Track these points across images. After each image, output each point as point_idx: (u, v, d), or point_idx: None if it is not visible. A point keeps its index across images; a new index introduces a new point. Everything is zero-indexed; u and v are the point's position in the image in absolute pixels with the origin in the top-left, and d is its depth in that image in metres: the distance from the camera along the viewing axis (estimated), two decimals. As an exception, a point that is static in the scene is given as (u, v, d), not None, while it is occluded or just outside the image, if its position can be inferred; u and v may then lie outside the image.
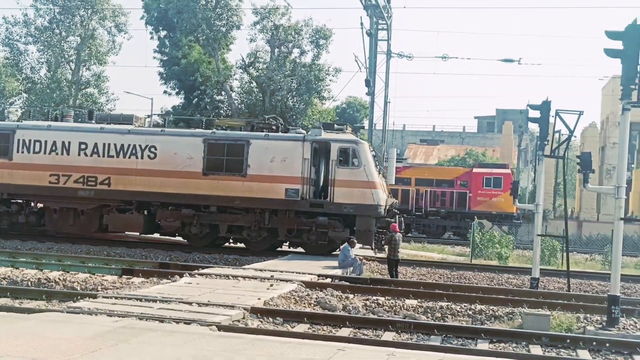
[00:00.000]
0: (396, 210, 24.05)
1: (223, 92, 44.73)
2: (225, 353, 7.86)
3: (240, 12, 43.22)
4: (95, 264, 18.46)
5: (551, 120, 18.71)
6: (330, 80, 43.44)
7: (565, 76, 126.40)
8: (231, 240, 24.05)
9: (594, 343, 11.41)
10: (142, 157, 23.13)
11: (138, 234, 24.44)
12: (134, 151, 23.25)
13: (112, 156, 23.32)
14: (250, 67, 43.35)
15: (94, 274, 16.89)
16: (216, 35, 42.53)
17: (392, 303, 14.44)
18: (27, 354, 7.33)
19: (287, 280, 15.89)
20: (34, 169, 23.68)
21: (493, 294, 16.32)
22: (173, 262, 20.49)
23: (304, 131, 23.66)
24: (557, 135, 19.89)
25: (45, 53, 45.16)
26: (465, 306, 14.34)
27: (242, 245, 23.88)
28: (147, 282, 15.95)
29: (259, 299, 13.17)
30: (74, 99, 44.76)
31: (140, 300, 12.26)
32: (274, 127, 23.57)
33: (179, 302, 12.21)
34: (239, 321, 11.53)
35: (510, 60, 39.60)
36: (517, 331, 12.15)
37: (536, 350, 11.14)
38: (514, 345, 11.44)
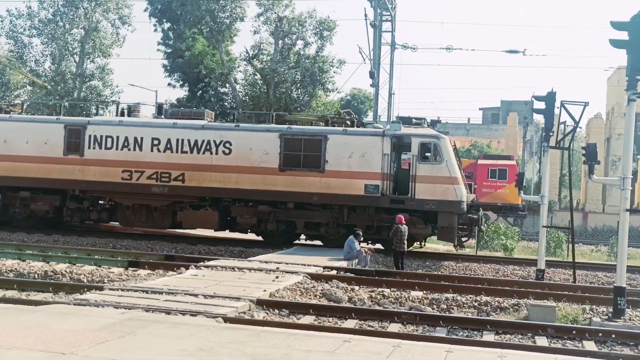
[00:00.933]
0: (477, 206, 23.77)
1: (227, 85, 44.65)
2: (232, 345, 7.88)
3: (243, 4, 43.07)
4: (102, 257, 18.53)
5: (556, 111, 18.63)
6: (334, 72, 43.28)
7: (570, 67, 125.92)
8: (303, 237, 23.71)
9: (600, 334, 11.41)
10: (216, 153, 22.83)
11: (213, 230, 24.10)
12: (208, 147, 22.92)
13: (186, 152, 23.02)
14: (254, 59, 43.25)
15: (100, 267, 16.96)
16: (220, 28, 42.41)
17: (397, 295, 14.47)
18: (35, 345, 7.36)
19: (292, 272, 15.93)
20: (106, 165, 23.44)
21: (499, 285, 16.32)
22: (179, 254, 20.55)
23: (381, 126, 23.25)
24: (562, 126, 19.78)
25: (50, 46, 45.09)
26: (470, 298, 14.36)
27: (316, 241, 23.67)
28: (153, 274, 16.00)
29: (264, 290, 13.21)
30: (78, 92, 44.75)
31: (147, 292, 12.31)
32: (348, 122, 23.20)
33: (185, 294, 12.25)
34: (245, 313, 11.57)
35: (515, 52, 39.43)
36: (523, 322, 12.16)
37: (542, 341, 11.15)
38: (520, 336, 11.46)
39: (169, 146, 23.15)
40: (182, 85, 46.25)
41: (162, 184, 23.05)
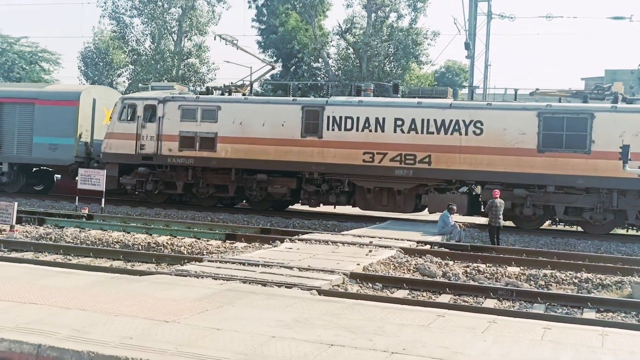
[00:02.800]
0: None
1: (320, 59, 44.78)
2: (326, 317, 7.99)
3: (336, -22, 42.92)
4: (200, 229, 19.14)
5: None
6: (428, 44, 42.61)
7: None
8: (559, 224, 22.46)
9: None
10: (466, 134, 21.69)
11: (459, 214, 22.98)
12: (456, 127, 21.81)
13: (432, 132, 22.01)
14: (347, 33, 43.10)
15: (199, 239, 17.55)
16: (313, 2, 42.47)
17: (493, 270, 14.22)
18: (140, 313, 7.73)
19: (385, 247, 15.93)
20: (346, 147, 22.80)
21: (600, 262, 15.72)
22: (274, 227, 20.95)
23: None
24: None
25: (149, 25, 46.59)
26: (570, 274, 13.92)
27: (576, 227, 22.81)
28: (250, 247, 16.40)
29: (358, 264, 13.28)
30: (176, 70, 46.09)
31: (243, 264, 12.63)
32: (612, 97, 21.51)
33: (280, 266, 12.49)
34: (338, 286, 11.69)
35: (620, 18, 37.41)
36: (627, 300, 11.69)
37: (647, 320, 10.68)
38: (623, 315, 11.02)
39: (413, 127, 22.18)
40: (275, 61, 46.77)
41: (407, 167, 22.14)
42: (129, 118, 25.31)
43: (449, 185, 22.19)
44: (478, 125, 21.66)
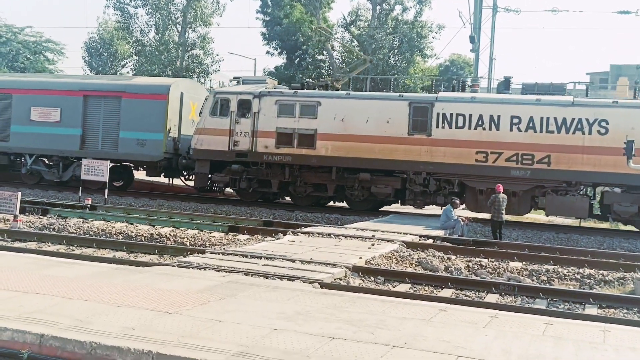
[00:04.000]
0: None
1: (324, 52, 44.71)
2: (328, 310, 8.01)
3: (341, -30, 42.77)
4: (203, 221, 19.17)
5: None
6: (433, 38, 42.54)
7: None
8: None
9: None
10: (589, 133, 20.70)
11: (578, 219, 22.71)
12: (579, 126, 20.83)
13: (552, 131, 20.99)
14: (352, 26, 43.01)
15: (202, 231, 17.58)
16: (317, -6, 42.38)
17: (495, 265, 14.23)
18: (142, 304, 7.75)
19: (388, 240, 15.94)
20: (457, 146, 21.81)
21: (603, 257, 15.70)
22: (277, 220, 20.98)
23: None
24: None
25: (154, 16, 46.53)
26: (572, 270, 13.92)
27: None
28: (252, 239, 16.42)
29: (360, 257, 13.30)
30: (180, 61, 46.05)
31: (246, 256, 12.66)
32: None
33: (283, 259, 12.51)
34: (341, 279, 11.71)
35: (626, 12, 37.24)
36: (629, 297, 11.68)
37: (649, 317, 10.68)
38: (625, 311, 11.03)
39: (531, 125, 21.17)
40: (280, 53, 46.72)
41: (524, 167, 21.18)
42: (221, 113, 24.19)
43: (568, 187, 21.24)
44: (603, 124, 20.66)
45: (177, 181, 27.76)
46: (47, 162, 27.53)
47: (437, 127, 22.02)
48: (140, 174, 29.10)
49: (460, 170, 21.89)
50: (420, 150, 22.15)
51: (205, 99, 25.30)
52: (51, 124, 26.66)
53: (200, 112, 25.08)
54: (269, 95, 23.89)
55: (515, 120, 21.16)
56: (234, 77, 28.00)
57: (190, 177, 26.16)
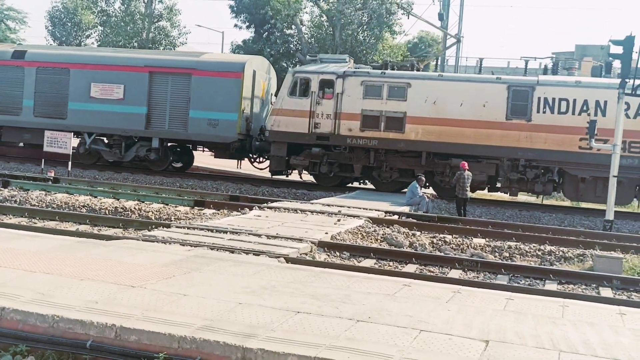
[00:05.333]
0: None
1: (293, 26, 44.37)
2: (293, 284, 8.04)
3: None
4: (169, 195, 19.03)
5: (634, 56, 17.80)
6: (402, 14, 42.45)
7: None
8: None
9: (668, 288, 11.12)
10: None
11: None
12: None
13: None
14: (321, 0, 42.70)
15: (167, 205, 17.46)
16: (287, -32, 41.94)
17: (459, 241, 14.42)
18: (106, 277, 7.69)
19: (354, 216, 16.03)
20: (560, 132, 21.04)
21: (564, 235, 16.02)
22: (243, 194, 20.91)
23: None
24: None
25: (119, -14, 45.67)
26: (534, 246, 14.18)
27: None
28: (218, 214, 16.36)
29: (326, 233, 13.35)
30: (147, 32, 45.31)
31: (212, 231, 12.62)
32: None
33: (249, 234, 12.50)
34: (306, 254, 11.76)
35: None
36: (588, 273, 11.96)
37: (606, 292, 10.96)
38: (584, 287, 11.29)
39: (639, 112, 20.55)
40: (248, 27, 46.28)
41: (632, 155, 20.58)
42: (301, 93, 23.16)
43: None
44: None
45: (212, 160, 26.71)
46: (106, 141, 26.11)
47: (538, 112, 21.23)
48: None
49: (562, 157, 21.21)
50: (519, 135, 21.36)
51: (285, 78, 24.08)
52: (113, 102, 25.09)
53: (277, 92, 23.95)
54: (354, 75, 22.88)
55: (625, 107, 19.44)
56: (310, 55, 26.88)
57: (260, 160, 25.18)
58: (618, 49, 17.66)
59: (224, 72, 24.33)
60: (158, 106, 25.02)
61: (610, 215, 18.03)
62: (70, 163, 22.91)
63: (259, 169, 25.47)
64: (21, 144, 28.42)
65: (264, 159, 24.98)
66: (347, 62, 24.02)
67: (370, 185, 24.28)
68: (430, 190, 22.47)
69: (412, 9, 37.34)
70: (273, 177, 24.84)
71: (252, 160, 25.33)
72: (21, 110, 26.07)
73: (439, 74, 23.11)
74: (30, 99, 25.98)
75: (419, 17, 33.71)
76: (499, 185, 22.40)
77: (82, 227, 14.08)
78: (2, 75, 26.40)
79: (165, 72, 24.94)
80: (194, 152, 28.56)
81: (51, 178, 20.91)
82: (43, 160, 23.41)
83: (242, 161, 26.19)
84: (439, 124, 21.71)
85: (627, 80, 17.95)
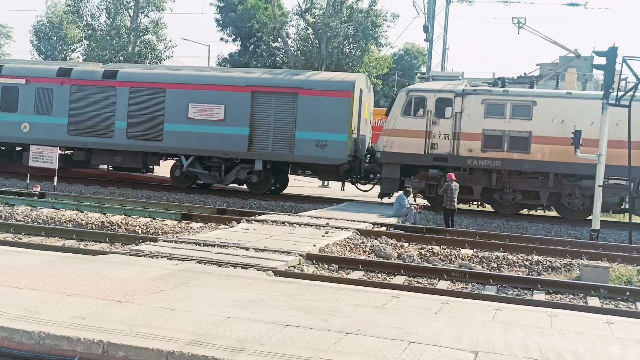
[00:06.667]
0: None
1: (279, 39, 44.50)
2: (282, 297, 8.02)
3: (296, -43, 42.56)
4: (156, 209, 18.94)
5: (617, 67, 18.00)
6: (387, 27, 42.73)
7: (635, 21, 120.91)
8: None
9: (655, 296, 11.18)
10: None
11: None
12: None
13: None
14: (307, 13, 42.87)
15: (154, 219, 17.37)
16: (272, -19, 42.11)
17: (447, 252, 14.44)
18: (93, 293, 7.63)
19: (342, 228, 16.02)
20: None
21: (551, 245, 16.09)
22: (230, 208, 20.86)
23: None
24: (623, 83, 19.06)
25: (105, 0, 45.58)
26: (521, 257, 14.23)
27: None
28: (206, 227, 16.30)
29: (314, 245, 13.33)
30: (132, 46, 45.25)
31: (199, 244, 12.56)
32: None
33: (237, 247, 12.46)
34: (294, 267, 11.72)
35: (575, 5, 38.00)
36: (575, 282, 12.01)
37: (594, 302, 11.00)
38: (571, 296, 11.33)
39: None
40: (234, 40, 46.40)
41: None
42: (415, 113, 22.42)
43: None
44: None
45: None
46: (203, 164, 24.86)
47: None
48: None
49: None
50: None
51: (396, 97, 23.26)
52: (213, 123, 24.00)
53: (387, 112, 23.32)
54: (475, 93, 22.10)
55: None
56: (420, 74, 25.94)
57: (365, 182, 24.23)
58: (601, 60, 17.84)
59: (333, 91, 23.45)
60: (261, 127, 23.93)
61: (596, 225, 18.13)
62: (56, 178, 22.76)
63: (363, 190, 24.73)
64: (109, 167, 27.18)
65: (369, 181, 24.24)
66: (460, 79, 23.31)
67: (358, 197, 24.26)
68: (418, 201, 22.50)
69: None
70: (381, 198, 23.80)
71: (356, 181, 24.46)
72: (113, 133, 24.89)
73: (566, 91, 22.17)
74: (123, 120, 24.82)
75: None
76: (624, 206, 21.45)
77: (69, 242, 13.97)
78: (92, 95, 25.16)
79: (268, 91, 23.93)
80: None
81: (37, 193, 20.76)
82: (28, 174, 23.25)
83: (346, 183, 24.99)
84: (567, 144, 20.07)
85: (611, 90, 18.12)
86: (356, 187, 24.61)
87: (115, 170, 27.30)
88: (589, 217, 19.93)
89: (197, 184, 25.36)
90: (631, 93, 18.34)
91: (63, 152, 25.56)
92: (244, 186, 25.27)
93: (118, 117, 24.88)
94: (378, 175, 23.57)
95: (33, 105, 25.59)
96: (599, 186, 18.30)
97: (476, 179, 22.16)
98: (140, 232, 15.57)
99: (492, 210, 22.98)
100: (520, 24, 23.31)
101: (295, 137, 23.48)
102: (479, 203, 23.24)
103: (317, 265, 12.22)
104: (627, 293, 11.35)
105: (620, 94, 18.19)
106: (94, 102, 25.14)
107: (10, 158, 27.23)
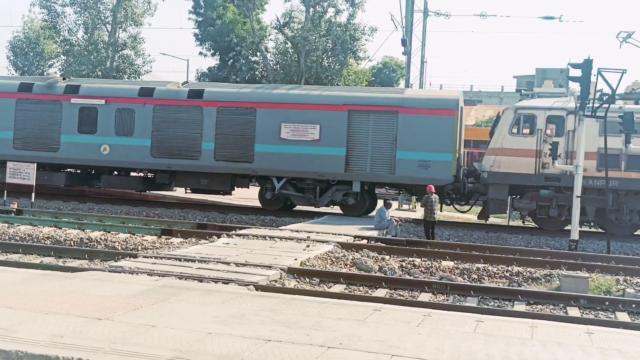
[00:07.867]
0: None
1: (258, 53, 44.54)
2: (263, 312, 7.97)
3: (275, -28, 42.70)
4: (135, 225, 18.80)
5: (593, 79, 18.24)
6: (366, 40, 42.88)
7: (608, 34, 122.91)
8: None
9: (634, 305, 11.30)
10: None
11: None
12: None
13: None
14: (285, 28, 42.97)
15: (134, 234, 17.23)
16: (251, -5, 42.20)
17: (428, 264, 14.47)
18: (72, 310, 7.54)
19: (323, 242, 16.01)
20: None
21: (531, 255, 16.20)
22: (211, 222, 20.76)
23: None
24: (598, 94, 19.30)
25: (82, 15, 45.33)
26: (502, 268, 14.30)
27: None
28: (186, 243, 16.21)
29: (295, 259, 13.31)
30: (111, 61, 45.03)
31: (180, 260, 12.48)
32: None
33: (217, 262, 12.40)
34: (276, 281, 11.69)
35: (551, 18, 38.54)
36: (555, 293, 12.10)
37: (574, 312, 11.09)
38: (552, 307, 11.41)
39: None
40: (213, 54, 46.33)
41: None
42: (524, 131, 21.57)
43: None
44: None
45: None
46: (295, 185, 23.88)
47: None
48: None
49: None
50: None
51: (503, 115, 22.49)
52: (308, 143, 23.04)
53: (492, 130, 22.70)
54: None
55: None
56: (522, 91, 24.50)
57: (463, 203, 23.24)
58: (577, 72, 18.07)
59: (436, 109, 22.52)
60: (358, 147, 22.93)
61: (575, 235, 18.28)
62: (33, 194, 22.51)
63: (461, 212, 23.93)
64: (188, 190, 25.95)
65: (467, 202, 23.35)
66: (566, 95, 22.22)
67: (334, 210, 24.20)
68: (398, 214, 22.50)
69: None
70: (486, 220, 23.22)
71: (455, 202, 23.39)
72: (200, 154, 23.74)
73: None
74: (211, 141, 23.72)
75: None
76: None
77: (47, 259, 13.81)
78: (176, 116, 24.05)
79: (366, 110, 22.91)
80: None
81: (14, 210, 20.52)
82: (5, 191, 22.98)
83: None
84: None
85: (587, 102, 18.34)
86: (453, 207, 23.72)
87: (194, 192, 25.65)
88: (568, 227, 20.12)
89: (287, 205, 24.47)
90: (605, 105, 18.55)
91: (145, 175, 25.06)
92: (336, 208, 24.30)
93: (205, 138, 23.82)
94: (481, 195, 22.80)
95: (113, 127, 24.49)
96: (577, 197, 18.48)
97: (588, 199, 20.77)
98: (119, 248, 15.44)
99: (470, 222, 22.96)
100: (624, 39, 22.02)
101: (396, 157, 22.48)
102: (591, 224, 22.41)
103: (298, 279, 12.18)
104: (607, 303, 11.46)
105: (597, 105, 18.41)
106: (179, 122, 24.11)
107: (85, 182, 26.17)
